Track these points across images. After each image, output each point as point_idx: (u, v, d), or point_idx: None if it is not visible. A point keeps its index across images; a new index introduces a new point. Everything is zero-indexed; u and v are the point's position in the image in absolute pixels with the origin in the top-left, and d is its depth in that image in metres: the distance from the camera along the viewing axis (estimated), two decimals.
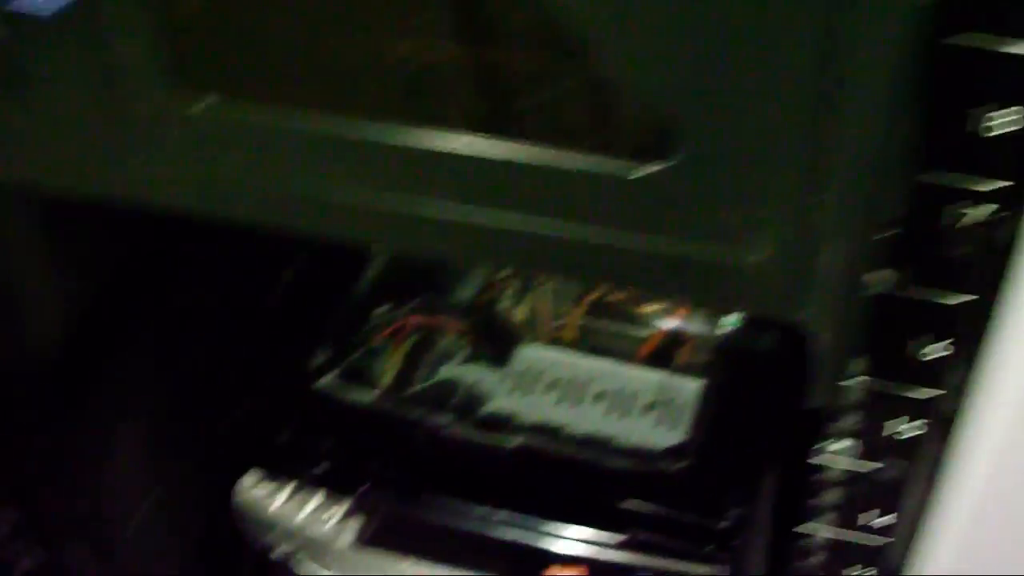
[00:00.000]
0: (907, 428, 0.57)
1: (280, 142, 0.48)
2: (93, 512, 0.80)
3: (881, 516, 0.63)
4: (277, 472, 0.80)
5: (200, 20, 0.47)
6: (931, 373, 0.54)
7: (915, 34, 0.37)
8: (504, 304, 0.86)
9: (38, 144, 0.52)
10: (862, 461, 0.60)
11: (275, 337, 0.87)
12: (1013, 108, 0.43)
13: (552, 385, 0.82)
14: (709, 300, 0.73)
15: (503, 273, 0.87)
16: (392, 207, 0.48)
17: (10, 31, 0.47)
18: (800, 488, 0.65)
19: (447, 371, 0.83)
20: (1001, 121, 0.44)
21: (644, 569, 0.72)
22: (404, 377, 0.82)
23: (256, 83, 0.48)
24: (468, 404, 0.81)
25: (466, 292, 0.88)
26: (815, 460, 0.62)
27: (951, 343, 0.52)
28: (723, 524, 0.72)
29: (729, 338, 0.81)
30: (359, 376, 0.82)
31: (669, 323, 0.83)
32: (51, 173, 0.53)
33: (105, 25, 0.46)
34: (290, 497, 0.79)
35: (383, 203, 0.48)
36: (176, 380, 0.84)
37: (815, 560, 0.68)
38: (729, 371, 0.79)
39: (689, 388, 0.80)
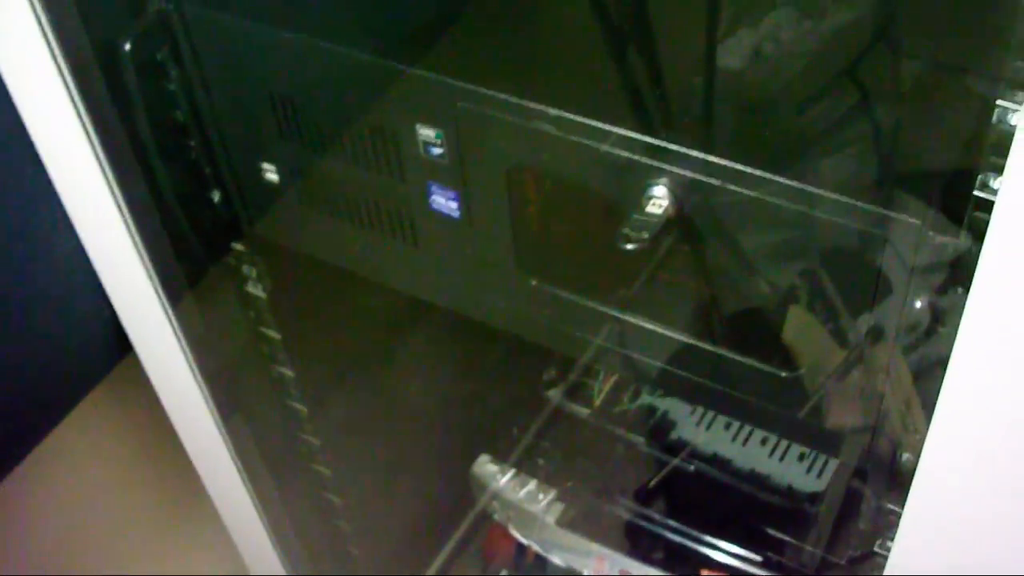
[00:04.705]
0: None
1: None
2: None
3: None
4: (505, 457, 1.03)
5: None
6: None
7: None
8: None
9: None
10: None
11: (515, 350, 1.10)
12: None
13: (729, 424, 1.00)
14: None
15: None
16: None
17: None
18: None
19: (647, 399, 1.03)
20: None
21: None
22: (612, 399, 1.03)
23: None
24: (661, 429, 1.01)
25: None
26: None
27: None
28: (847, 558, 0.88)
29: None
30: (578, 393, 1.04)
31: None
32: None
33: None
34: (512, 478, 1.02)
35: None
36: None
37: None
38: None
39: None
